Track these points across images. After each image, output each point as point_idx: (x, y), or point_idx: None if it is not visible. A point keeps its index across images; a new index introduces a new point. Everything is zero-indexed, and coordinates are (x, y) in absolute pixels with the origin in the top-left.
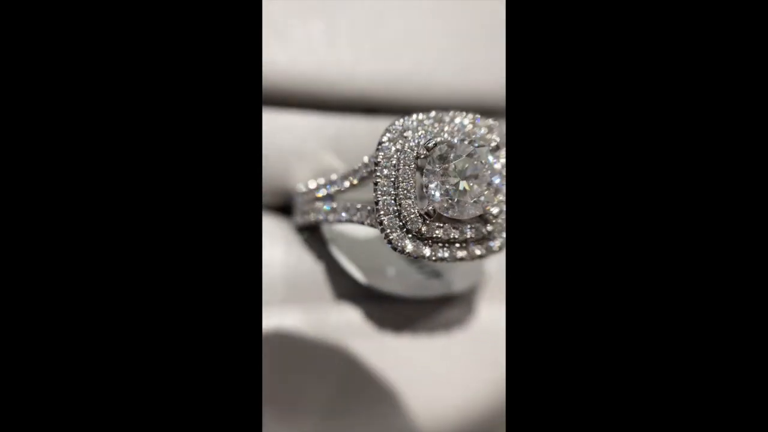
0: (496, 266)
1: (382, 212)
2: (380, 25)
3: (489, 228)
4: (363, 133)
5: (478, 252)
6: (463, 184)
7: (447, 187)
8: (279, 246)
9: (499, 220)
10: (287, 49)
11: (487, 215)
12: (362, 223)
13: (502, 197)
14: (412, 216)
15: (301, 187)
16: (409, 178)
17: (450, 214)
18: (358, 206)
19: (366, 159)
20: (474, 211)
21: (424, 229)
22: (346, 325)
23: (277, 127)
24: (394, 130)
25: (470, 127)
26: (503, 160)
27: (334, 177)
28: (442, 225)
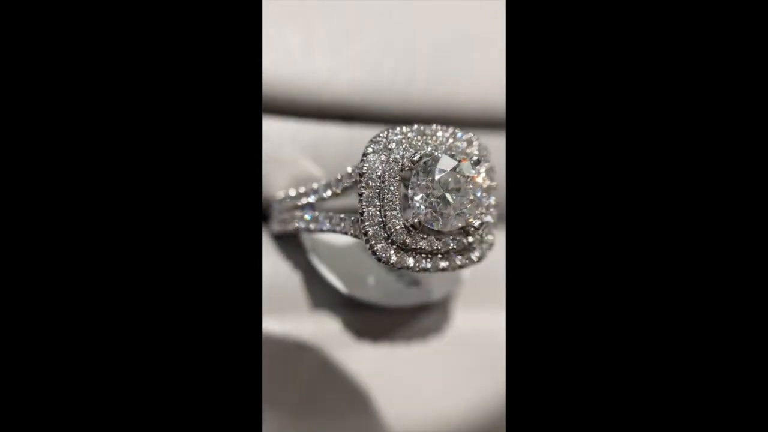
0: (469, 273)
1: (367, 223)
2: (359, 33)
3: (470, 239)
4: (340, 140)
5: (459, 262)
6: (447, 197)
7: (432, 199)
8: None
9: (480, 232)
10: (265, 55)
11: (469, 227)
12: (345, 233)
13: (483, 210)
14: (397, 227)
15: (280, 195)
16: (394, 190)
17: (435, 226)
18: (342, 216)
19: (349, 169)
20: (457, 223)
21: (408, 240)
22: (323, 335)
23: None
24: (378, 141)
25: (451, 140)
26: (483, 174)
27: (315, 186)
28: (426, 237)
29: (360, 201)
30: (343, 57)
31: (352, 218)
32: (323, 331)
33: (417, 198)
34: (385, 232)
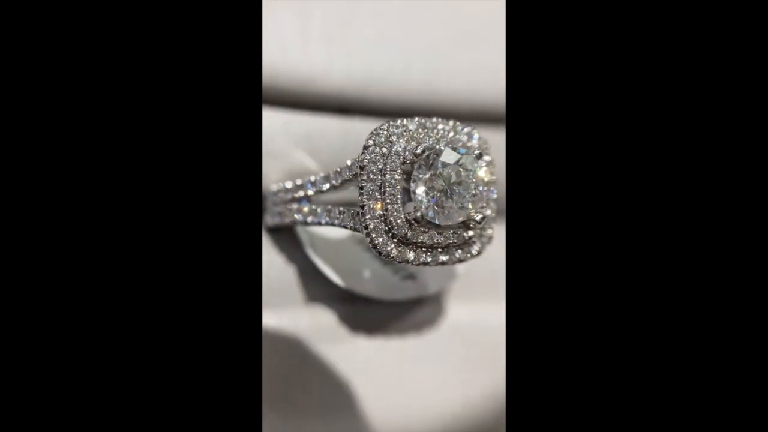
0: (464, 267)
1: (367, 216)
2: (355, 23)
3: (470, 233)
4: (335, 133)
5: (458, 256)
6: (450, 191)
7: (434, 193)
8: None
9: (480, 226)
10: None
11: (470, 221)
12: (345, 226)
13: (484, 204)
14: (398, 221)
15: (275, 187)
16: (395, 184)
17: (437, 220)
18: (341, 209)
19: (349, 162)
20: (459, 218)
21: (409, 234)
22: (318, 329)
23: None
24: (379, 134)
25: (452, 134)
26: (485, 168)
27: (313, 178)
28: (426, 230)
29: (360, 194)
30: (338, 47)
31: (352, 211)
32: (318, 324)
33: (419, 191)
34: (386, 225)
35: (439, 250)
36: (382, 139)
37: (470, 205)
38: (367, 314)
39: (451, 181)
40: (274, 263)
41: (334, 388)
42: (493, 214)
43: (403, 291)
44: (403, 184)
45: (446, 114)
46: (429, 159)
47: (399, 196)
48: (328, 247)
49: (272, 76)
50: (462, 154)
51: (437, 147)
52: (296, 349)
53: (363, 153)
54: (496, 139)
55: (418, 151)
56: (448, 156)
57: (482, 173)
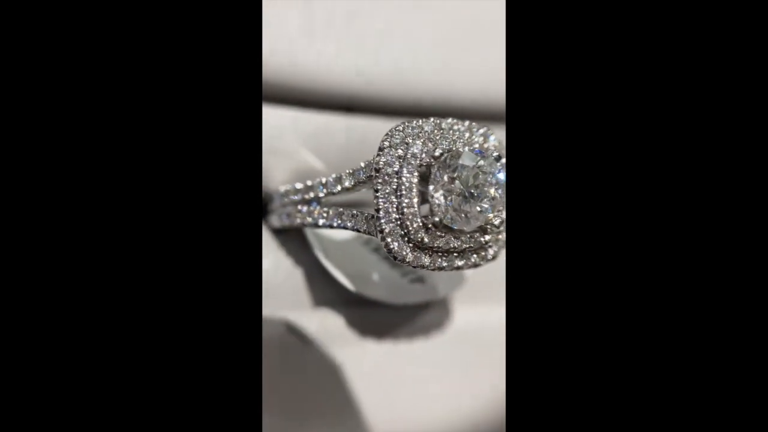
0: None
1: (383, 220)
2: (360, 20)
3: (487, 237)
4: (340, 131)
5: (474, 260)
6: (470, 195)
7: (453, 197)
8: None
9: (499, 230)
10: (266, 39)
11: (487, 225)
12: (357, 230)
13: (501, 207)
14: (415, 225)
15: (283, 188)
16: (412, 187)
17: (456, 225)
18: (354, 212)
19: (363, 164)
20: (478, 222)
21: (426, 238)
22: (326, 332)
23: None
24: (395, 135)
25: (468, 134)
26: (503, 171)
27: (324, 180)
28: (443, 235)
29: (376, 197)
30: (345, 44)
31: (366, 214)
32: (326, 327)
33: (438, 195)
34: (402, 229)
35: (455, 254)
36: (398, 141)
37: (489, 209)
38: (373, 317)
39: (470, 185)
40: (282, 266)
41: (341, 391)
42: None
43: (413, 294)
44: (419, 187)
45: (454, 112)
46: (447, 162)
47: (416, 200)
48: (336, 250)
49: (279, 73)
50: (480, 156)
51: (455, 149)
52: (303, 352)
53: (378, 155)
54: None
55: (437, 154)
56: (467, 159)
57: (501, 176)
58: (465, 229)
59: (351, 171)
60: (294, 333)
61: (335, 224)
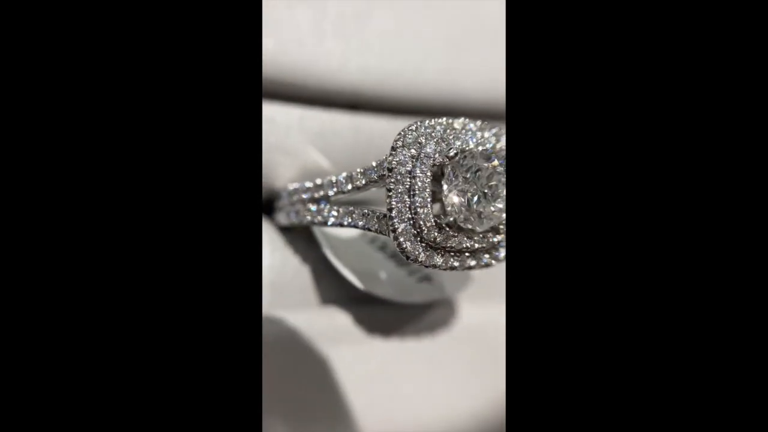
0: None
1: (396, 220)
2: (369, 18)
3: (499, 237)
4: (347, 130)
5: (485, 261)
6: (485, 195)
7: (468, 197)
8: (263, 247)
9: None
10: (275, 38)
11: (500, 225)
12: (368, 229)
13: None
14: (428, 225)
15: (292, 186)
16: (426, 187)
17: (470, 225)
18: (365, 211)
19: (374, 163)
20: (491, 222)
21: (439, 238)
22: (333, 330)
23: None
24: (408, 135)
25: (480, 134)
26: None
27: (334, 178)
28: (456, 235)
29: (389, 197)
30: (354, 43)
31: (378, 214)
32: (333, 325)
33: (452, 196)
34: (415, 229)
35: (467, 254)
36: (411, 141)
37: (502, 210)
38: (380, 315)
39: (484, 185)
40: (289, 263)
41: (348, 388)
42: None
43: (421, 293)
44: (432, 186)
45: (461, 111)
46: (461, 162)
47: (429, 200)
48: (343, 248)
49: (288, 71)
50: (493, 155)
51: (469, 149)
52: (308, 350)
53: (392, 154)
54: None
55: (451, 154)
56: (482, 159)
57: None
58: (477, 229)
59: (362, 170)
60: (301, 330)
61: (345, 223)
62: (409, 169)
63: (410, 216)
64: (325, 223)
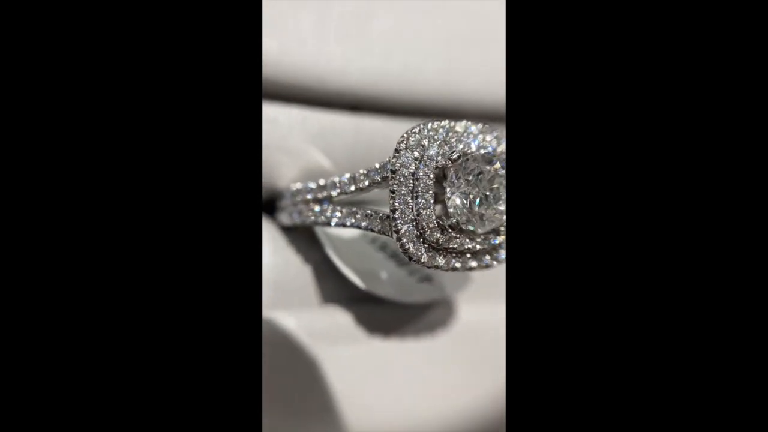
0: None
1: (399, 221)
2: (371, 20)
3: (500, 239)
4: (347, 131)
5: (486, 262)
6: (487, 198)
7: (470, 199)
8: (265, 247)
9: None
10: (278, 39)
11: (500, 227)
12: (371, 229)
13: None
14: (431, 226)
15: (295, 186)
16: (429, 189)
17: (472, 227)
18: (368, 212)
19: (377, 164)
20: (493, 224)
21: (441, 239)
22: (334, 330)
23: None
24: (411, 137)
25: (481, 137)
26: None
27: (337, 179)
28: (458, 236)
29: (392, 198)
30: (355, 44)
31: (381, 215)
32: (334, 325)
33: (455, 198)
34: (418, 230)
35: (468, 255)
36: (414, 143)
37: (504, 212)
38: (380, 315)
39: (486, 188)
40: (291, 263)
41: (348, 387)
42: None
43: (422, 293)
44: (435, 189)
45: (462, 113)
46: (463, 164)
47: (432, 201)
48: (345, 248)
49: (289, 72)
50: (495, 159)
51: (472, 152)
52: (308, 349)
53: (395, 156)
54: None
55: (454, 157)
56: (484, 162)
57: None
58: (479, 230)
59: (365, 171)
60: (302, 330)
61: (348, 223)
62: (412, 171)
63: (413, 217)
64: (328, 224)
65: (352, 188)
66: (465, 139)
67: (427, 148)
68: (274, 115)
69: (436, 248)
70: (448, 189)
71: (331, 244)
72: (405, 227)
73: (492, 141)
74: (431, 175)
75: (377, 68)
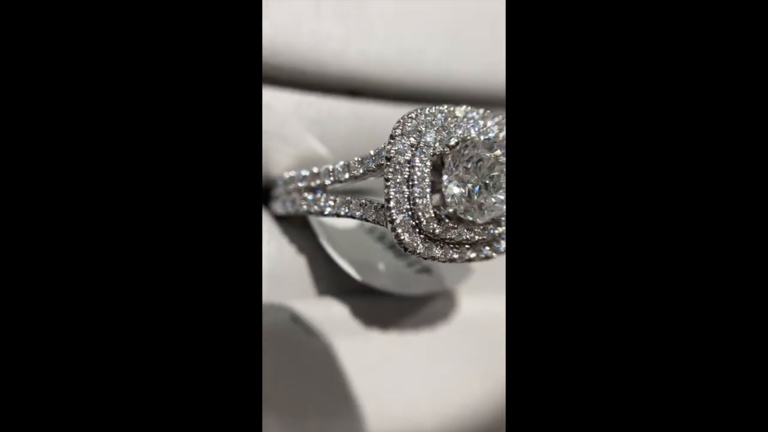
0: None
1: (394, 211)
2: (370, 2)
3: (500, 229)
4: (346, 117)
5: (486, 253)
6: (487, 186)
7: (469, 188)
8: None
9: None
10: (271, 19)
11: (500, 218)
12: (366, 219)
13: None
14: (427, 216)
15: (288, 174)
16: (425, 177)
17: (471, 217)
18: (362, 201)
19: (372, 152)
20: (492, 214)
21: (438, 230)
22: (331, 321)
23: None
24: (407, 123)
25: (482, 122)
26: None
27: (331, 167)
28: (455, 226)
29: (387, 186)
30: (353, 27)
31: (375, 204)
32: (331, 316)
33: (452, 186)
34: (414, 220)
35: (467, 246)
36: (410, 129)
37: (504, 201)
38: (378, 307)
39: (486, 175)
40: (285, 253)
41: (346, 380)
42: None
43: (420, 285)
44: (431, 176)
45: (462, 98)
46: (462, 151)
47: (428, 190)
48: (341, 238)
49: (285, 55)
50: (496, 145)
51: (470, 138)
52: (307, 341)
53: (390, 143)
54: None
55: (452, 143)
56: (484, 149)
57: None
58: (478, 220)
59: (360, 159)
60: (298, 322)
61: (342, 213)
62: (408, 158)
63: (409, 207)
64: (321, 213)
65: (346, 176)
66: (464, 125)
67: (424, 134)
68: (268, 101)
69: (432, 239)
70: (445, 177)
71: (326, 234)
72: (400, 217)
73: (493, 127)
74: (428, 163)
75: (377, 52)
